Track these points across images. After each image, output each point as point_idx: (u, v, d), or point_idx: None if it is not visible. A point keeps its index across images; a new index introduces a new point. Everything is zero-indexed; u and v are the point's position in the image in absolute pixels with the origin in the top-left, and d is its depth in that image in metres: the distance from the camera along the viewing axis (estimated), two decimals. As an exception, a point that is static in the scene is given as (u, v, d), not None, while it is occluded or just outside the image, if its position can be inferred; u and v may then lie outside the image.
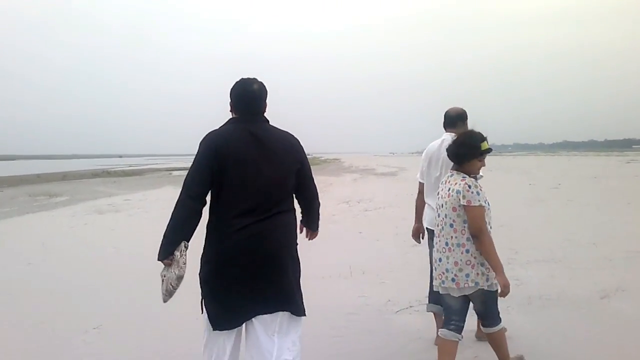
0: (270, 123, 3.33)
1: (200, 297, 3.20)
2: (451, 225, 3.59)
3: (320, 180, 28.01)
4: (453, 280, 3.58)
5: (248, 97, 3.25)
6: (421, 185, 4.81)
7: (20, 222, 14.36)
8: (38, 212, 16.95)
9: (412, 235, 5.00)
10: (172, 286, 3.05)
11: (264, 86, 3.31)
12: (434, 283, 3.85)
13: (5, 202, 20.91)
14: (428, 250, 4.54)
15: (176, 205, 3.08)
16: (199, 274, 3.21)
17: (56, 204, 19.17)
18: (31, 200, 20.89)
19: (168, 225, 3.08)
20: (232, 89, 3.30)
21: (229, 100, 3.32)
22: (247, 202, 3.10)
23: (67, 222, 13.88)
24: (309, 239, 3.89)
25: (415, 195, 4.93)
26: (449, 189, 3.62)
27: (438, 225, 3.72)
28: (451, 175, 3.71)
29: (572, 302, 5.67)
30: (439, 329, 3.82)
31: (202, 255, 3.21)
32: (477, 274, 3.52)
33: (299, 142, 3.40)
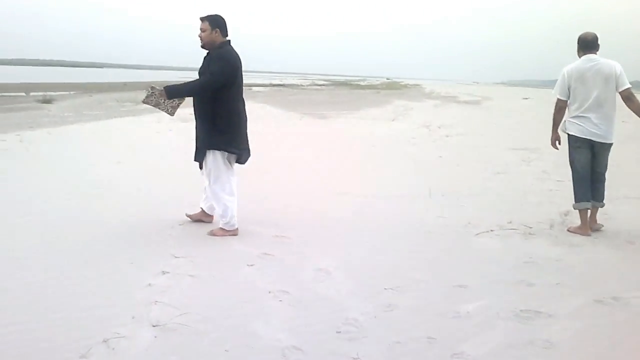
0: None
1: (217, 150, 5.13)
2: None
3: (400, 105, 27.80)
4: None
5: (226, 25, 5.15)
6: (562, 102, 5.60)
7: (108, 125, 15.00)
8: (125, 116, 17.62)
9: (552, 144, 5.87)
10: (171, 113, 5.32)
11: None
12: None
13: (94, 106, 21.83)
14: (569, 157, 5.68)
15: (207, 80, 5.02)
16: (219, 137, 5.09)
17: (142, 111, 19.77)
18: (118, 106, 21.69)
19: (194, 84, 5.15)
20: (220, 20, 5.08)
21: (217, 28, 5.04)
22: (240, 95, 5.26)
23: (152, 127, 14.38)
24: None
25: (553, 110, 5.77)
26: None
27: None
28: None
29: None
30: None
31: (218, 124, 5.06)
32: None
33: None
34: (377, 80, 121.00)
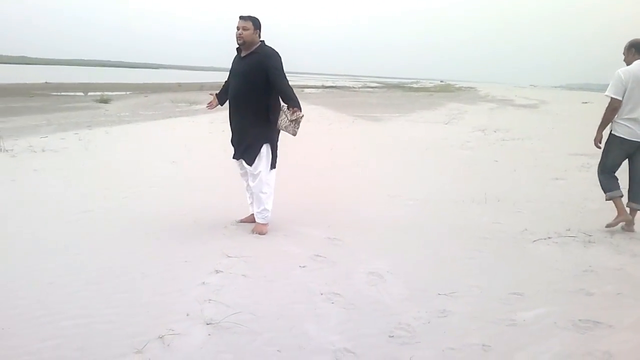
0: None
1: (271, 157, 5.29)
2: None
3: (454, 108, 27.45)
4: None
5: None
6: (618, 102, 5.59)
7: (164, 125, 15.36)
8: (179, 117, 17.98)
9: (595, 143, 5.90)
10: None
11: None
12: None
13: (150, 106, 22.39)
14: (604, 154, 5.84)
15: (285, 78, 5.10)
16: (274, 130, 5.20)
17: (196, 111, 20.19)
18: (173, 106, 22.19)
19: (292, 89, 5.13)
20: (259, 22, 5.13)
21: (257, 29, 5.13)
22: None
23: (206, 128, 14.64)
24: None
25: (605, 110, 5.73)
26: None
27: None
28: None
29: None
30: None
31: (271, 118, 5.14)
32: None
33: None
34: (430, 83, 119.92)
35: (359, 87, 65.17)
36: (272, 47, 5.24)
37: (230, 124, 5.38)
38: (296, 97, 5.10)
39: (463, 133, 15.04)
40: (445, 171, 9.05)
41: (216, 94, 5.61)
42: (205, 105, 5.98)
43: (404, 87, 74.25)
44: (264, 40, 5.24)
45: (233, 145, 5.43)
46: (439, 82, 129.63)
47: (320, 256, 4.70)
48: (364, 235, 5.37)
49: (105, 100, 23.78)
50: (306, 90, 45.64)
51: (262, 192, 5.28)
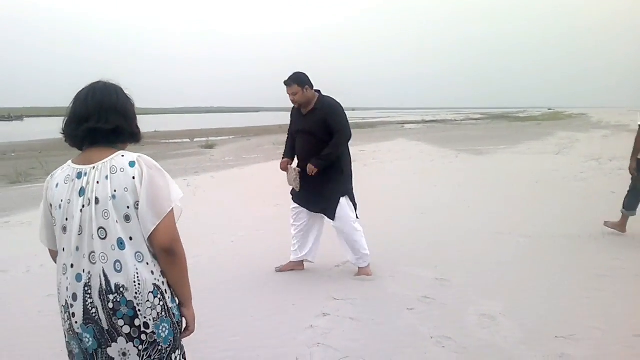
0: None
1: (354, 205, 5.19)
2: None
3: (564, 136, 26.33)
4: None
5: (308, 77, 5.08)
6: None
7: (267, 167, 15.79)
8: (281, 159, 18.41)
9: (630, 171, 6.55)
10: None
11: None
12: None
13: (252, 149, 23.13)
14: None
15: (342, 137, 4.96)
16: (348, 184, 5.14)
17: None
18: (274, 149, 22.77)
19: (335, 149, 4.96)
20: (303, 77, 4.98)
21: (305, 85, 4.97)
22: None
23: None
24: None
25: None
26: None
27: None
28: None
29: None
30: None
31: (345, 171, 5.09)
32: None
33: None
34: (537, 111, 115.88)
35: (461, 120, 64.13)
36: (331, 96, 5.13)
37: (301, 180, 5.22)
38: (333, 156, 4.98)
39: (575, 163, 14.36)
40: (557, 205, 8.65)
41: (283, 157, 5.45)
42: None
43: (509, 117, 72.19)
44: (319, 90, 5.14)
45: (298, 199, 5.34)
46: (547, 110, 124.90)
47: (429, 298, 4.63)
48: (473, 275, 5.24)
49: (210, 146, 24.81)
50: (406, 126, 45.51)
51: (354, 240, 5.16)
